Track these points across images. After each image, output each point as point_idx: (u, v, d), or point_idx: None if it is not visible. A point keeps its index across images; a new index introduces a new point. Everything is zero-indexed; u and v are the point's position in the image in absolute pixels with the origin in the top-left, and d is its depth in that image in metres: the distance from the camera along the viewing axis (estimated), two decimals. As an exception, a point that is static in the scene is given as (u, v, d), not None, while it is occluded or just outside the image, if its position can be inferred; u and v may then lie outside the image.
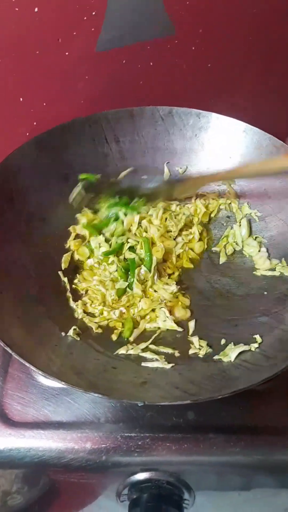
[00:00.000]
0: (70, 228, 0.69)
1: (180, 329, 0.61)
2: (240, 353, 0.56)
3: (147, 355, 0.57)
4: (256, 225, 0.71)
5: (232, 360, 0.55)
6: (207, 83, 0.82)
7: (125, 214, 0.67)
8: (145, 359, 0.57)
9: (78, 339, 0.59)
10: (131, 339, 0.59)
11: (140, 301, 0.62)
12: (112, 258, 0.65)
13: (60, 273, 0.64)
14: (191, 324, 0.61)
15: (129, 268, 0.64)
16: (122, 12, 0.68)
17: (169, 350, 0.58)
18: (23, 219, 0.65)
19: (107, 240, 0.66)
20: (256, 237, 0.70)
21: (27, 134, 0.73)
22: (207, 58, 0.79)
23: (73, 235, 0.68)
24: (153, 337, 0.60)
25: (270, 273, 0.66)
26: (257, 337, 0.58)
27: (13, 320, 0.55)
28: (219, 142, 0.72)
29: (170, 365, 0.56)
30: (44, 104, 0.73)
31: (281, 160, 0.59)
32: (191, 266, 0.68)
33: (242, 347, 0.56)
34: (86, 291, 0.64)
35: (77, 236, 0.69)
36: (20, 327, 0.55)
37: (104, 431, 0.55)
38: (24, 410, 0.57)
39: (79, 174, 0.69)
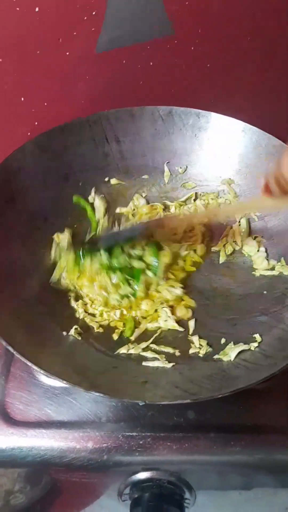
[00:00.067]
0: (54, 236, 0.66)
1: (181, 329, 0.61)
2: (239, 352, 0.56)
3: (148, 354, 0.57)
4: (255, 225, 0.71)
5: (232, 359, 0.56)
6: (206, 83, 0.82)
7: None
8: (145, 359, 0.57)
9: (79, 338, 0.59)
10: (132, 338, 0.60)
11: (142, 303, 0.62)
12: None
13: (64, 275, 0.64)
14: (191, 324, 0.61)
15: (134, 274, 0.63)
16: (122, 12, 0.68)
17: (169, 350, 0.58)
18: (24, 219, 0.65)
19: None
20: (255, 237, 0.70)
21: (28, 134, 0.73)
22: (206, 58, 0.79)
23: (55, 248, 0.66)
24: (154, 336, 0.60)
25: (269, 272, 0.66)
26: (257, 336, 0.58)
27: (14, 319, 0.55)
28: (218, 141, 0.72)
29: (171, 364, 0.56)
30: (45, 104, 0.73)
31: (260, 200, 0.57)
32: (194, 269, 0.68)
33: (241, 346, 0.57)
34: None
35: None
36: (21, 327, 0.55)
37: (106, 431, 0.55)
38: (26, 409, 0.57)
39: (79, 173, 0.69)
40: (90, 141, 0.71)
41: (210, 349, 0.58)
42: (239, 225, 0.71)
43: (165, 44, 0.75)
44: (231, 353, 0.56)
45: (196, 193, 0.74)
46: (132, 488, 0.57)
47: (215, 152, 0.73)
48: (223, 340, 0.59)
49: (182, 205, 0.74)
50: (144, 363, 0.56)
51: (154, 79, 0.78)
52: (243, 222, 0.71)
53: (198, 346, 0.58)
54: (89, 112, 0.71)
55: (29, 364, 0.49)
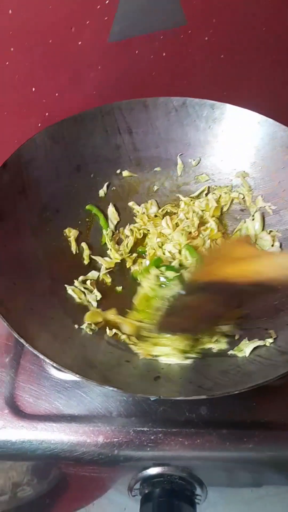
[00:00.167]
0: (66, 231, 0.67)
1: None
2: (254, 348, 0.55)
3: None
4: (270, 219, 0.69)
5: (247, 355, 0.55)
6: (220, 74, 0.81)
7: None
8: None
9: (91, 332, 0.58)
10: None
11: None
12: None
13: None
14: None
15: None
16: (135, 1, 0.67)
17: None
18: (36, 210, 0.64)
19: None
20: (270, 231, 0.69)
21: (39, 124, 0.73)
22: (220, 49, 0.78)
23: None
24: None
25: (284, 267, 0.65)
26: (272, 332, 0.57)
27: (27, 312, 0.54)
28: (233, 133, 0.71)
29: (187, 360, 0.55)
30: (57, 94, 0.72)
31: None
32: None
33: (256, 342, 0.56)
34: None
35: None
36: (33, 319, 0.54)
37: (117, 425, 0.55)
38: (36, 403, 0.57)
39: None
40: (102, 132, 0.70)
41: (224, 345, 0.57)
42: (253, 219, 0.70)
43: (179, 34, 0.73)
44: (246, 349, 0.55)
45: (208, 187, 0.73)
46: (142, 484, 0.57)
47: (230, 144, 0.71)
48: (237, 336, 0.58)
49: (193, 200, 0.73)
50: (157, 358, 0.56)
51: (167, 70, 0.77)
52: (257, 216, 0.70)
53: (213, 341, 0.57)
54: (101, 102, 0.70)
55: (42, 357, 0.48)
